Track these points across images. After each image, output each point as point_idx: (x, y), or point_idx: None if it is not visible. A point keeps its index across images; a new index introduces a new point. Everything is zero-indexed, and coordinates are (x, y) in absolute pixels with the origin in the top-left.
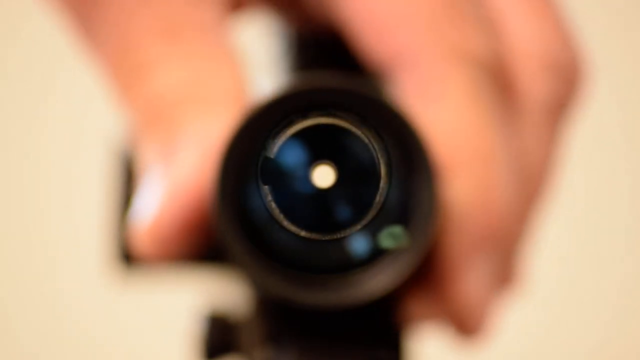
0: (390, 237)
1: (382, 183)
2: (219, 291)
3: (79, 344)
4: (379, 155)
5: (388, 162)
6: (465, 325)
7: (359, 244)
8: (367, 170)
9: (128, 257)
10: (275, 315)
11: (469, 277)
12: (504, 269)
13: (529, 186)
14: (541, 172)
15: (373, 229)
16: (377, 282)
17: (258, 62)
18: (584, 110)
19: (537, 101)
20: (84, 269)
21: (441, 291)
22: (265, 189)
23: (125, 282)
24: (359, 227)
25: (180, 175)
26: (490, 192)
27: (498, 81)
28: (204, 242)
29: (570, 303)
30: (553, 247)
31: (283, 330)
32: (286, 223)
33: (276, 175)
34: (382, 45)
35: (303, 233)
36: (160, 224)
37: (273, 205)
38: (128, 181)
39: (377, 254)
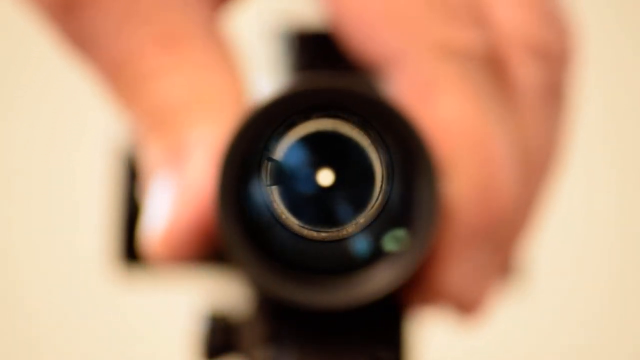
0: (394, 239)
1: (382, 185)
2: (219, 291)
3: (79, 342)
4: (380, 158)
5: (389, 163)
6: (458, 307)
7: (359, 245)
8: (366, 173)
9: (130, 256)
10: (276, 315)
11: (458, 267)
12: (504, 252)
13: (532, 172)
14: (543, 156)
15: (375, 231)
16: (378, 282)
17: (258, 62)
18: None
19: (530, 86)
20: (86, 267)
21: (431, 277)
22: (268, 189)
23: (126, 281)
24: (360, 228)
25: (192, 180)
26: (490, 187)
27: (490, 71)
28: (212, 245)
29: (571, 302)
30: (553, 246)
31: (283, 330)
32: (290, 221)
33: (279, 176)
34: (371, 45)
35: (306, 232)
36: (174, 228)
37: (275, 205)
38: (131, 180)
39: (377, 255)
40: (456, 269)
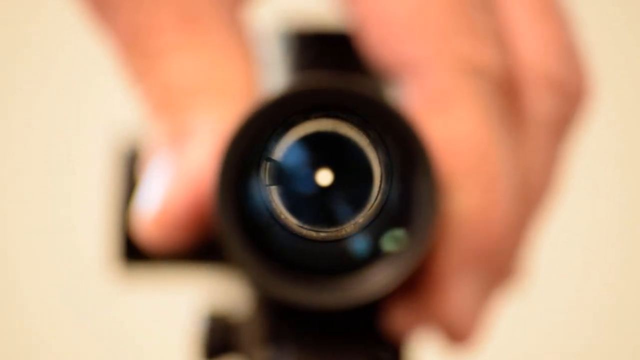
0: (393, 240)
1: (381, 184)
2: (219, 291)
3: (78, 342)
4: (379, 158)
5: (388, 163)
6: (452, 333)
7: (358, 245)
8: (365, 172)
9: (129, 254)
10: (275, 315)
11: (456, 291)
12: (498, 278)
13: (529, 200)
14: (542, 187)
15: (373, 231)
16: (377, 282)
17: (268, 59)
18: (587, 126)
19: (541, 117)
20: (85, 267)
21: (427, 300)
22: (267, 189)
23: (126, 281)
24: (359, 228)
25: (191, 162)
26: (491, 209)
27: (505, 94)
28: (207, 236)
29: (570, 304)
30: (552, 248)
31: (283, 330)
32: (289, 221)
33: (278, 175)
34: (391, 52)
35: (305, 232)
36: (167, 209)
37: (274, 205)
38: (130, 177)
39: (376, 255)
40: (453, 294)
